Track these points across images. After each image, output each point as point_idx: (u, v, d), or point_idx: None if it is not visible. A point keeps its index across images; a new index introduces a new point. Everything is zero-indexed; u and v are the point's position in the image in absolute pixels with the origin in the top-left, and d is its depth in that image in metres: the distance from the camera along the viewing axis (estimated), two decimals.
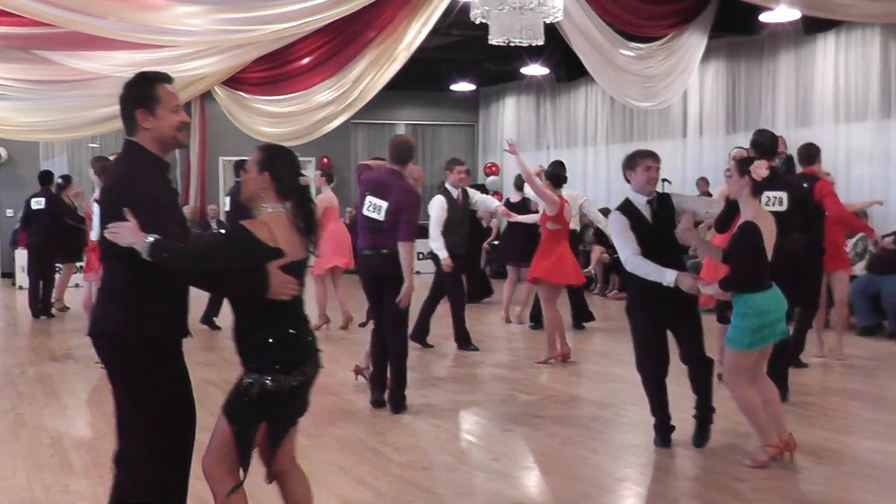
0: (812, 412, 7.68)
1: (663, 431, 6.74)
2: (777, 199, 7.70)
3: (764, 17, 14.09)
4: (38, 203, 14.35)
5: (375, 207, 7.78)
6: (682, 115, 17.91)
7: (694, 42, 15.07)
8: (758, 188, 6.10)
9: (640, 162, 6.56)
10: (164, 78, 4.17)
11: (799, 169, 8.64)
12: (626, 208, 6.58)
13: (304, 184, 4.15)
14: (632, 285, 6.69)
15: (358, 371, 8.90)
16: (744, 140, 16.45)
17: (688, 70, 15.37)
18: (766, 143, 7.89)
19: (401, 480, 6.03)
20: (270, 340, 3.99)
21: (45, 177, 14.91)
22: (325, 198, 12.31)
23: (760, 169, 6.00)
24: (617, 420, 7.42)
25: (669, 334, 6.66)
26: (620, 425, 7.23)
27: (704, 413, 6.71)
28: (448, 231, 10.42)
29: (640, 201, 6.55)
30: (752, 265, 6.02)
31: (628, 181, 6.67)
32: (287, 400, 4.07)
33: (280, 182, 4.08)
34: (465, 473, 6.24)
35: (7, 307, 15.68)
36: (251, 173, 4.14)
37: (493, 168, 23.33)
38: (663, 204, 6.58)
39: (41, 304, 14.08)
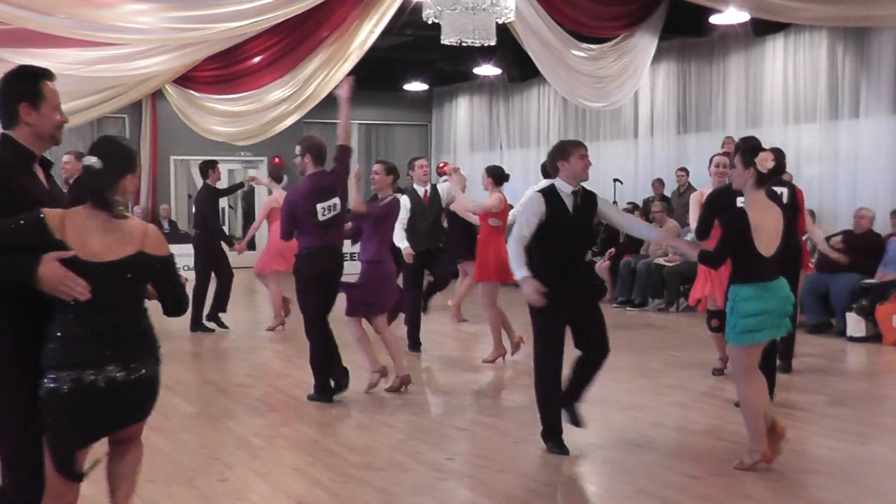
0: None
1: (557, 437, 6.55)
2: (780, 195, 7.79)
3: (714, 19, 14.24)
4: None
5: (332, 207, 7.92)
6: (633, 115, 18.05)
7: (645, 43, 15.20)
8: (762, 179, 6.00)
9: (574, 151, 6.45)
10: (48, 75, 4.06)
11: None
12: (550, 193, 6.44)
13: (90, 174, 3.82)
14: (540, 277, 6.56)
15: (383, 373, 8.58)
16: (694, 141, 16.69)
17: (639, 71, 15.51)
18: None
19: (355, 481, 6.01)
20: (51, 338, 3.74)
21: None
22: (272, 199, 12.34)
23: (766, 161, 5.97)
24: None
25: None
26: None
27: (573, 398, 6.64)
28: (409, 229, 10.34)
29: (566, 190, 6.45)
30: (738, 251, 5.97)
31: (555, 171, 6.54)
32: (59, 406, 3.72)
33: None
34: (420, 473, 6.23)
35: None
36: None
37: (447, 167, 23.35)
38: (587, 200, 6.51)
39: None
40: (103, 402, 3.75)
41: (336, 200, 7.97)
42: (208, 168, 12.18)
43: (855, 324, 11.15)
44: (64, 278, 3.64)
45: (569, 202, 6.43)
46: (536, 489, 5.87)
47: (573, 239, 6.42)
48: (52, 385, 3.69)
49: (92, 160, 3.82)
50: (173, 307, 4.08)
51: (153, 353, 3.92)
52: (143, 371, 3.84)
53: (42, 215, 3.67)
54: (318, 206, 7.93)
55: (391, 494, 5.75)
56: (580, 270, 6.45)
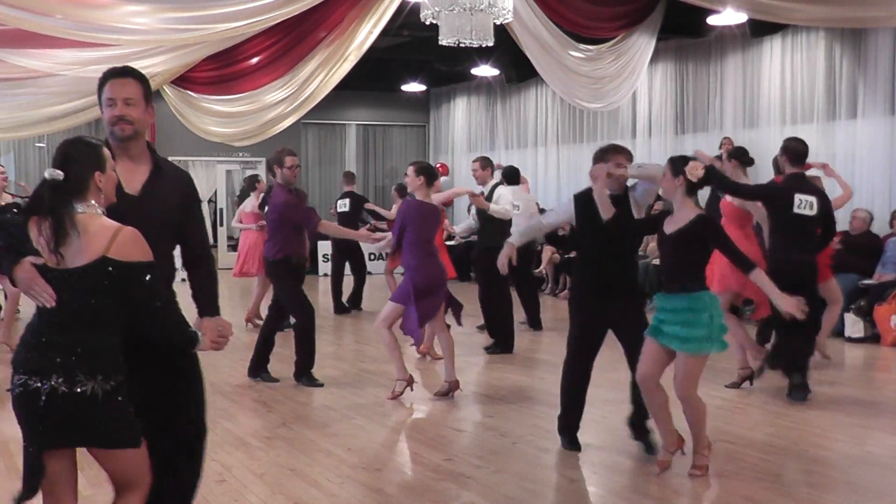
0: (762, 409, 7.78)
1: (570, 434, 6.68)
2: (808, 204, 7.87)
3: (711, 20, 14.24)
4: None
5: None
6: (631, 116, 18.06)
7: (642, 44, 15.19)
8: (692, 188, 5.90)
9: (612, 158, 6.31)
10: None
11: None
12: (584, 198, 6.41)
13: (50, 180, 3.67)
14: (574, 281, 6.62)
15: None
16: (691, 141, 16.69)
17: (636, 71, 15.50)
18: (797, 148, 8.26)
19: (353, 482, 6.01)
20: (21, 339, 3.76)
21: None
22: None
23: (696, 170, 5.89)
24: None
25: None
26: None
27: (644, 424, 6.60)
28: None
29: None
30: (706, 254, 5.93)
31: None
32: (15, 408, 3.69)
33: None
34: (418, 474, 6.24)
35: None
36: None
37: (443, 168, 23.36)
38: (622, 202, 6.33)
39: None
40: (47, 412, 3.61)
41: None
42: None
43: (853, 324, 11.16)
44: (33, 283, 3.61)
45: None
46: (534, 490, 5.86)
47: (606, 244, 6.31)
48: (12, 386, 3.68)
49: (54, 173, 3.66)
50: (159, 332, 3.85)
51: (98, 373, 3.62)
52: (85, 389, 3.60)
53: (17, 216, 3.68)
54: None
55: (389, 496, 5.75)
56: (616, 275, 6.35)
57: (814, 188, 8.20)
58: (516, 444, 6.89)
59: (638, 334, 6.27)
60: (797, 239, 7.92)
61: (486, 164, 11.29)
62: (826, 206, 8.11)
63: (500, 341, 10.78)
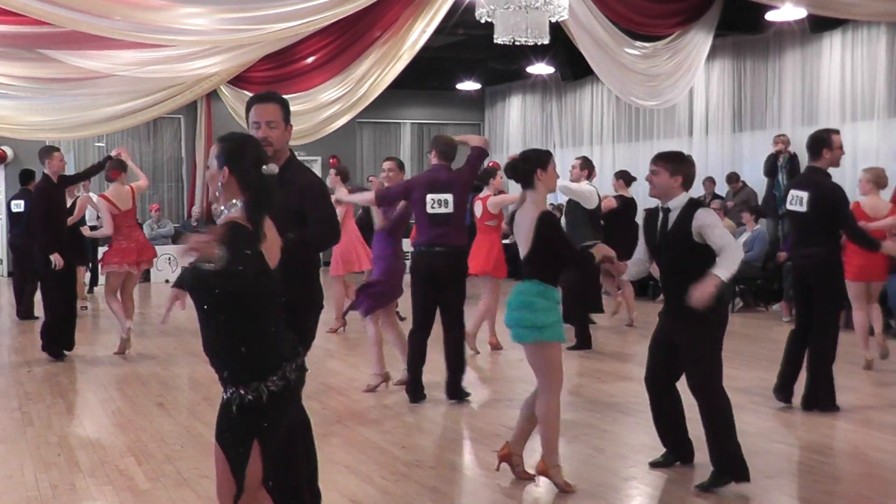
0: (819, 411, 7.70)
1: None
2: (798, 199, 7.64)
3: (770, 16, 14.09)
4: (17, 206, 13.77)
5: (442, 203, 7.93)
6: (688, 113, 17.90)
7: (699, 41, 15.08)
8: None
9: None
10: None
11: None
12: (651, 210, 6.18)
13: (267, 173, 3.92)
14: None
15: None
16: (749, 139, 16.51)
17: (693, 69, 15.38)
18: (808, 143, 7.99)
19: (407, 479, 6.02)
20: (243, 349, 3.76)
21: (26, 177, 13.89)
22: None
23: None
24: (623, 419, 7.40)
25: None
26: (627, 424, 7.21)
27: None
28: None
29: (660, 206, 6.02)
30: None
31: None
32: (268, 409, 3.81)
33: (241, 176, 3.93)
34: (471, 472, 6.24)
35: (13, 306, 15.58)
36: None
37: (495, 167, 23.30)
38: (682, 217, 5.82)
39: (23, 307, 13.74)
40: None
41: (448, 197, 7.94)
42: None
43: None
44: None
45: (659, 218, 6.00)
46: (588, 490, 5.84)
47: (659, 258, 6.05)
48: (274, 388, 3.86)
49: (272, 168, 3.98)
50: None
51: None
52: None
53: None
54: (429, 197, 7.96)
55: (442, 493, 5.76)
56: (670, 291, 6.01)
57: (810, 182, 7.68)
58: (570, 444, 6.85)
59: (682, 355, 6.02)
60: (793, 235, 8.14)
61: (585, 165, 11.18)
62: (824, 197, 7.57)
63: (579, 338, 10.59)
